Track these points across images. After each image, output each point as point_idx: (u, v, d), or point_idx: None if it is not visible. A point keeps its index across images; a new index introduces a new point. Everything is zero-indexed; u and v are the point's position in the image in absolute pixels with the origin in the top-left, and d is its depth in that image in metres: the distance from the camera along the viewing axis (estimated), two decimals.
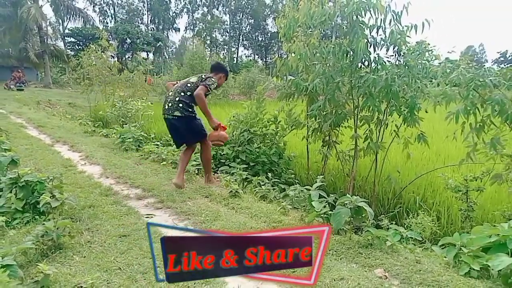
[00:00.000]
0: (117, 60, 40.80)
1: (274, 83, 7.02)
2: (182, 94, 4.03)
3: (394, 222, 6.28)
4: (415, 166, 7.18)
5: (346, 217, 2.59)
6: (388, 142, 6.11)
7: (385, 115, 5.89)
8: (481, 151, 4.54)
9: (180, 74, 21.19)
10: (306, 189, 5.29)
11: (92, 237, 2.66)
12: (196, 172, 4.82)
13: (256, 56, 51.62)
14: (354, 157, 6.30)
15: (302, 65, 6.22)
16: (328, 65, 5.83)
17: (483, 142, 4.33)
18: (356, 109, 5.93)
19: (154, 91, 24.10)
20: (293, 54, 6.21)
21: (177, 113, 3.98)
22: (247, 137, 6.61)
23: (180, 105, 3.98)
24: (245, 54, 55.58)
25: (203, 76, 4.21)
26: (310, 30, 6.13)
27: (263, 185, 4.49)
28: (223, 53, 50.41)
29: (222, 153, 6.58)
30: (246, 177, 4.85)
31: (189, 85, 4.11)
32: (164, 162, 5.22)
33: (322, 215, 2.85)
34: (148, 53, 45.05)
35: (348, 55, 5.69)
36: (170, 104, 4.06)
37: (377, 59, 5.61)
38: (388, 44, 5.44)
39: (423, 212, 4.23)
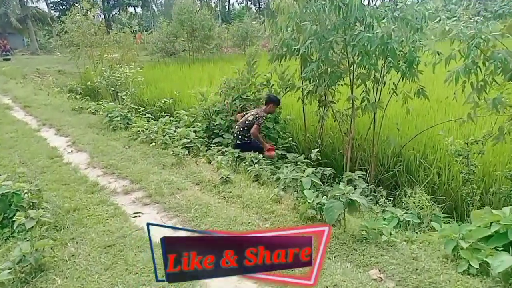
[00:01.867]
0: (104, 18, 39.18)
1: (268, 33, 6.60)
2: (241, 129, 5.74)
3: (394, 182, 6.25)
4: (415, 119, 6.96)
5: (339, 212, 2.45)
6: (386, 100, 5.87)
7: (382, 72, 5.59)
8: (482, 107, 4.31)
9: (170, 31, 20.31)
10: (299, 165, 5.14)
11: (77, 249, 2.56)
12: (187, 153, 4.65)
13: (249, 2, 49.31)
14: (352, 118, 6.09)
15: (292, 25, 5.80)
16: (319, 23, 5.42)
17: (485, 101, 4.09)
18: (352, 66, 5.61)
19: (145, 50, 23.31)
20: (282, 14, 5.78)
21: (238, 142, 5.72)
22: (240, 104, 6.35)
23: (240, 136, 5.73)
24: (237, 0, 53.05)
25: (257, 116, 5.72)
26: None
27: (256, 162, 4.33)
28: (214, 1, 48.15)
29: (215, 124, 6.37)
30: (239, 155, 4.68)
31: (247, 122, 5.73)
32: (154, 143, 5.04)
33: (315, 207, 2.72)
34: (136, 7, 43.10)
35: (341, 11, 5.27)
36: (234, 135, 5.87)
37: (372, 12, 5.18)
38: None
39: (420, 191, 4.08)
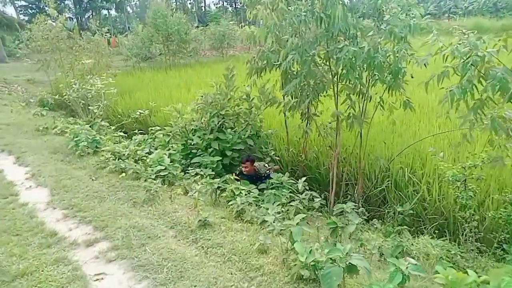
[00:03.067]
0: (77, 21, 37.95)
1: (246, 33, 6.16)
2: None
3: (382, 198, 5.94)
4: (399, 127, 6.71)
5: (338, 279, 2.07)
6: (371, 114, 5.57)
7: (367, 87, 5.28)
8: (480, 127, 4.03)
9: (145, 35, 19.61)
10: (284, 192, 4.74)
11: None
12: (160, 184, 4.19)
13: (225, 3, 48.72)
14: (336, 134, 5.76)
15: (271, 38, 5.42)
16: (300, 35, 5.06)
17: (481, 121, 3.80)
18: (335, 76, 5.27)
19: (120, 54, 22.47)
20: (260, 22, 5.41)
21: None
22: (218, 122, 5.92)
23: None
24: (213, 1, 52.32)
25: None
26: None
27: (237, 194, 3.93)
28: (189, 2, 47.38)
29: (192, 143, 5.92)
30: (219, 186, 4.26)
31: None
32: (124, 174, 4.56)
33: (309, 266, 2.34)
34: (109, 10, 41.92)
35: (323, 22, 4.92)
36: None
37: (356, 24, 4.85)
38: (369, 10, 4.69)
39: (432, 235, 3.76)
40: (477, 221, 4.43)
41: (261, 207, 3.82)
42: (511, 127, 3.69)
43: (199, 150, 5.90)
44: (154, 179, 4.36)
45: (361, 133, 5.62)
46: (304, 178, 4.25)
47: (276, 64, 5.61)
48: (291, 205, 3.94)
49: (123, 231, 3.17)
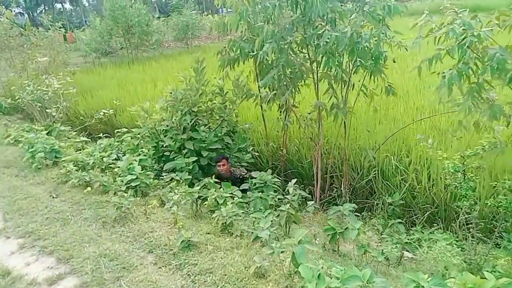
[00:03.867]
0: (28, 17, 35.67)
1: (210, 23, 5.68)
2: None
3: (369, 188, 5.70)
4: (380, 118, 6.48)
5: None
6: (353, 101, 5.27)
7: (349, 74, 4.96)
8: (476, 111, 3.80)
9: (103, 29, 18.51)
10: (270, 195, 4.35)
11: None
12: (133, 198, 3.69)
13: None
14: (319, 125, 5.44)
15: (243, 26, 4.97)
16: (275, 22, 4.65)
17: (478, 107, 3.55)
18: (314, 65, 4.92)
19: (78, 50, 21.17)
20: (224, 11, 4.95)
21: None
22: (191, 121, 5.43)
23: None
24: None
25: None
26: None
27: (222, 204, 3.51)
28: None
29: (164, 145, 5.41)
30: (199, 195, 3.82)
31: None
32: (89, 188, 4.02)
33: None
34: (63, 3, 39.66)
35: (299, 6, 4.54)
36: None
37: (334, 7, 4.47)
38: None
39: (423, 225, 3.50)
40: (477, 211, 4.26)
41: (248, 214, 3.42)
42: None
43: (172, 152, 5.41)
44: (125, 191, 3.86)
45: (344, 123, 5.33)
46: (294, 180, 3.88)
47: (251, 54, 5.18)
48: (282, 210, 3.58)
49: (92, 262, 2.69)
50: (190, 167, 5.06)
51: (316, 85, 5.15)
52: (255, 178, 5.16)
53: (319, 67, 4.90)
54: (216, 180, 4.79)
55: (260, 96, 5.77)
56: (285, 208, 3.54)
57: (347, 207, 3.50)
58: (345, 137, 5.41)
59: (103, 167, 4.68)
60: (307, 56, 4.94)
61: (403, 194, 5.11)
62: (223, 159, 5.15)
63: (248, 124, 6.54)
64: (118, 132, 6.48)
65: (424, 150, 5.18)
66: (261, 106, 6.12)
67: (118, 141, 6.12)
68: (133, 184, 4.03)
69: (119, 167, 4.32)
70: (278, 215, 3.55)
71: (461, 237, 4.26)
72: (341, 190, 5.52)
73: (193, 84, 5.79)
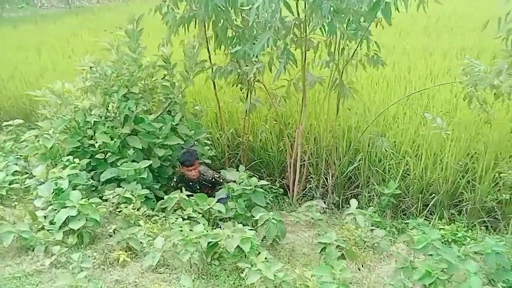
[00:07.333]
0: None
1: None
2: None
3: (353, 177, 4.89)
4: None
5: None
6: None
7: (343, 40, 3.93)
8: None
9: None
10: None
11: None
12: (77, 243, 2.09)
13: None
14: (302, 105, 4.38)
15: None
16: None
17: None
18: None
19: None
20: None
21: None
22: (136, 106, 3.74)
23: None
24: None
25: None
26: None
27: (248, 252, 2.17)
28: None
29: (95, 144, 3.58)
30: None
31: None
32: None
33: None
34: None
35: None
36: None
37: None
38: None
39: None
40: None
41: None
42: None
43: (110, 154, 3.70)
44: (63, 241, 2.23)
45: (338, 104, 4.31)
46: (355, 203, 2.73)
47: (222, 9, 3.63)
48: (324, 243, 2.39)
49: None
50: (144, 176, 3.47)
51: (304, 54, 3.99)
52: (232, 180, 3.87)
53: (310, 29, 3.73)
54: (189, 193, 3.38)
55: (213, 68, 4.44)
56: (330, 241, 2.37)
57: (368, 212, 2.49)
58: (336, 119, 4.44)
59: (2, 194, 2.82)
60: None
61: (398, 181, 4.43)
62: (195, 160, 3.72)
63: (199, 106, 5.10)
64: (7, 125, 4.37)
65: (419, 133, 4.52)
66: (214, 82, 4.74)
67: (12, 139, 4.09)
68: (73, 225, 2.37)
69: (42, 197, 2.55)
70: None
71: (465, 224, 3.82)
72: (326, 181, 4.64)
73: (128, 55, 4.07)
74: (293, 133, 4.75)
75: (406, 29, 8.67)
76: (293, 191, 4.72)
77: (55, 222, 2.37)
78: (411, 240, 3.48)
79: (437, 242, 2.07)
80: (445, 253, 1.99)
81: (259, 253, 2.08)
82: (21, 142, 3.95)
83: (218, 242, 2.15)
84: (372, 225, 3.68)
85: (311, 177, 4.91)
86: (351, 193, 4.79)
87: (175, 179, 3.97)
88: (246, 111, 4.76)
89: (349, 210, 3.04)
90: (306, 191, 4.84)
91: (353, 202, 3.14)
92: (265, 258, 1.98)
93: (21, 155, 3.79)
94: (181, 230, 2.22)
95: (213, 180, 3.96)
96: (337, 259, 2.22)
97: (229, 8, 3.64)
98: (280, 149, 5.00)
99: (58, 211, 2.45)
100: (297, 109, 4.91)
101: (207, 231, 2.14)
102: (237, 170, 4.10)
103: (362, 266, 2.92)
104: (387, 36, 7.28)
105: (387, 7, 2.91)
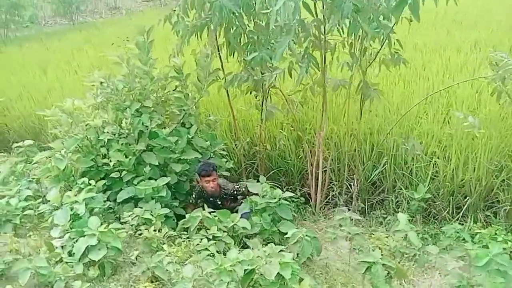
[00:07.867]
0: None
1: None
2: None
3: (378, 181, 4.66)
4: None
5: None
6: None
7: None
8: None
9: None
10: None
11: None
12: (99, 275, 1.90)
13: None
14: (323, 110, 4.17)
15: None
16: None
17: None
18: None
19: None
20: None
21: None
22: (150, 121, 3.57)
23: None
24: None
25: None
26: None
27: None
28: None
29: (109, 164, 3.41)
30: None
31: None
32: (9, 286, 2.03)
33: None
34: None
35: None
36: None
37: None
38: None
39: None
40: None
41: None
42: None
43: (126, 172, 3.52)
44: (83, 274, 2.04)
45: (361, 106, 4.10)
46: None
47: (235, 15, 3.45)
48: (368, 261, 2.18)
49: None
50: (164, 194, 3.28)
51: (323, 57, 3.78)
52: (255, 193, 3.66)
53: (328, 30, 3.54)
54: (211, 210, 3.19)
55: (226, 78, 4.27)
56: (375, 260, 2.16)
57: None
58: (359, 123, 4.23)
59: (16, 222, 2.64)
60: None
61: (428, 185, 4.18)
62: (213, 171, 3.53)
63: (212, 116, 4.90)
64: (17, 147, 4.23)
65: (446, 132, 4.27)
66: (227, 91, 4.55)
67: (23, 161, 3.94)
68: (93, 256, 2.19)
69: (50, 220, 2.37)
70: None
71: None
72: (344, 188, 4.44)
73: (139, 67, 3.90)
74: (311, 139, 4.54)
75: (414, 25, 8.43)
76: (315, 199, 4.50)
77: (74, 253, 2.18)
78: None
79: (500, 257, 1.84)
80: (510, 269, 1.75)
81: (301, 278, 1.87)
82: (33, 164, 3.79)
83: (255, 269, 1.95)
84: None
85: (334, 184, 4.68)
86: (377, 199, 4.56)
87: (194, 195, 3.77)
88: (262, 119, 4.55)
89: (398, 227, 2.79)
90: (328, 199, 4.61)
91: (402, 217, 2.86)
92: (309, 286, 1.77)
93: (33, 178, 3.64)
94: (211, 255, 2.02)
95: (235, 192, 3.77)
96: (384, 281, 2.00)
97: (243, 14, 3.46)
98: (300, 157, 4.79)
99: (76, 240, 2.26)
100: (313, 114, 4.71)
101: (241, 257, 1.93)
102: (258, 181, 3.88)
103: (404, 281, 2.70)
104: (396, 34, 7.07)
105: (416, 2, 2.71)
